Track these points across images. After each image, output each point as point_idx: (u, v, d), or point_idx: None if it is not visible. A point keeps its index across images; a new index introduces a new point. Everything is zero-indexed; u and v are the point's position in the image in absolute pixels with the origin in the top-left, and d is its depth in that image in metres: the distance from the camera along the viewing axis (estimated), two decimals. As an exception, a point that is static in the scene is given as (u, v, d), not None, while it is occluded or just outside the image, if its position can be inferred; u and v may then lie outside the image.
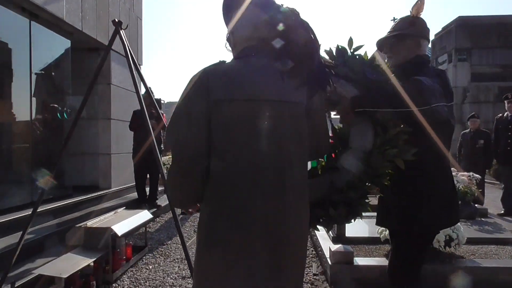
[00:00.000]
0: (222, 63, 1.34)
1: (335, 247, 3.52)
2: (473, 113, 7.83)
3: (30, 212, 4.57)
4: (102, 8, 6.48)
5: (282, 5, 1.40)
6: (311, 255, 4.30)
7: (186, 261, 3.99)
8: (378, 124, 1.71)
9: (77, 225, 3.93)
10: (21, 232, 4.08)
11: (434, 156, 1.84)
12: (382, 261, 3.42)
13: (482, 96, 14.04)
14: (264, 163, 1.26)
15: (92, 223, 3.98)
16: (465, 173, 5.41)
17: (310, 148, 1.40)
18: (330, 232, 4.23)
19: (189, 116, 1.25)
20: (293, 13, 1.36)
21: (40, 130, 5.63)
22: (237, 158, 1.24)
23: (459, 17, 14.93)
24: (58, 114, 5.98)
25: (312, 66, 1.32)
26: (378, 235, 3.86)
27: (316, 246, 4.40)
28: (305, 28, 1.35)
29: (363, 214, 1.73)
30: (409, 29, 1.97)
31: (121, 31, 2.67)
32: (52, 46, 5.93)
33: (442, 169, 1.94)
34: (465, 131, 7.64)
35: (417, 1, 1.97)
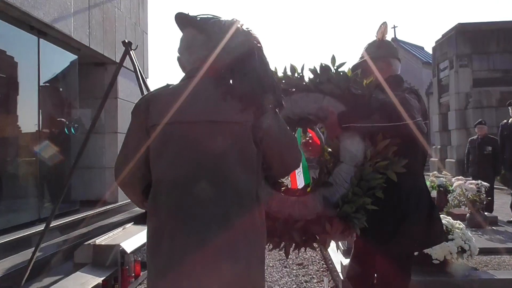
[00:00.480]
0: (166, 87, 1.38)
1: (346, 260, 3.50)
2: (480, 119, 7.78)
3: (37, 230, 4.61)
4: (108, 24, 6.54)
5: (224, 22, 1.38)
6: (321, 269, 4.27)
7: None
8: (366, 137, 1.74)
9: (86, 243, 3.93)
10: (32, 250, 4.10)
11: (410, 173, 1.82)
12: (395, 274, 3.39)
13: (484, 101, 14.04)
14: (188, 185, 1.27)
15: (100, 240, 3.97)
16: (473, 181, 5.39)
17: (269, 165, 1.42)
18: (341, 244, 4.21)
19: (127, 146, 1.38)
20: (238, 31, 1.36)
21: (47, 144, 5.66)
22: (163, 180, 1.31)
23: (459, 23, 14.98)
24: (66, 129, 6.01)
25: (254, 85, 1.31)
26: (389, 247, 3.84)
27: (327, 260, 4.38)
28: (249, 47, 1.35)
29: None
30: (378, 52, 2.05)
31: (131, 51, 2.70)
32: (60, 62, 5.99)
33: (416, 186, 1.93)
34: (472, 137, 7.60)
35: (381, 25, 2.07)
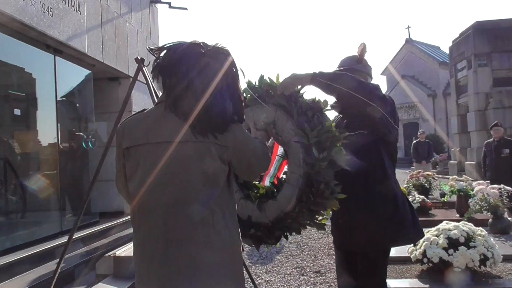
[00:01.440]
0: (141, 111, 1.52)
1: (365, 269, 3.45)
2: (496, 121, 7.60)
3: (60, 242, 4.71)
4: (121, 39, 6.68)
5: (188, 50, 1.42)
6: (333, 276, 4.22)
7: None
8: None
9: (106, 254, 3.99)
10: (55, 262, 4.17)
11: (383, 173, 1.94)
12: (415, 283, 3.33)
13: (506, 101, 13.68)
14: (157, 200, 1.38)
15: (120, 251, 4.03)
16: (495, 185, 5.25)
17: (240, 173, 1.54)
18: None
19: (116, 165, 1.55)
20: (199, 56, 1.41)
21: (67, 157, 5.79)
22: (136, 195, 1.42)
23: (477, 21, 14.68)
24: (84, 144, 6.14)
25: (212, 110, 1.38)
26: (408, 255, 3.77)
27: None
28: (208, 65, 1.41)
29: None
30: (357, 65, 2.17)
31: (143, 68, 2.76)
32: (75, 78, 6.14)
33: (388, 186, 1.97)
34: (488, 140, 7.43)
35: (362, 44, 2.18)
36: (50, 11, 4.72)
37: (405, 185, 8.39)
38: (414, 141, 11.30)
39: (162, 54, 1.46)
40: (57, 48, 5.21)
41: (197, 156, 1.37)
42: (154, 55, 1.52)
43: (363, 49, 2.18)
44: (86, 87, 6.33)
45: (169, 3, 8.17)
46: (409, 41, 29.12)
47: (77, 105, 6.43)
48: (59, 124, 5.51)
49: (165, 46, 1.48)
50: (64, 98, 5.88)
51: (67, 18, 5.08)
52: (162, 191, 1.37)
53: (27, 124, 5.57)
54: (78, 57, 5.71)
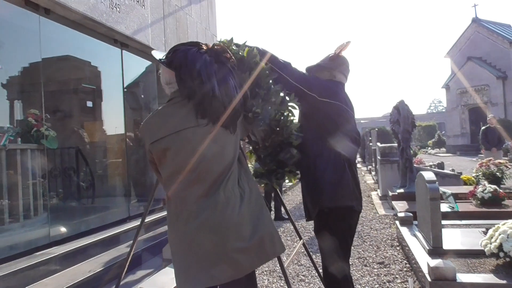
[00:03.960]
0: (157, 110, 1.75)
1: (433, 261, 3.31)
2: None
3: (127, 227, 5.00)
4: (181, 31, 6.87)
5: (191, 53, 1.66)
6: (404, 269, 4.09)
7: (274, 273, 4.04)
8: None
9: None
10: (124, 245, 4.45)
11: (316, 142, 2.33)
12: (489, 278, 3.14)
13: None
14: (189, 181, 1.63)
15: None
16: None
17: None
18: (425, 243, 4.00)
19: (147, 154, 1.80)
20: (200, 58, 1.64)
21: (132, 146, 6.10)
22: (170, 181, 1.67)
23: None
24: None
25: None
26: (482, 248, 3.55)
27: (410, 259, 4.18)
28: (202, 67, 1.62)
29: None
30: (328, 63, 2.54)
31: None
32: (139, 69, 6.44)
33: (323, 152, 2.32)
34: None
35: (344, 43, 2.51)
36: (118, 8, 4.96)
37: (473, 174, 7.89)
38: (482, 127, 10.58)
39: (170, 54, 1.69)
40: (124, 42, 5.48)
41: (217, 139, 1.65)
42: (159, 61, 1.72)
43: (342, 49, 2.52)
44: (149, 78, 6.61)
45: (226, -7, 8.24)
46: (475, 20, 27.07)
47: (142, 95, 6.74)
48: (125, 114, 5.82)
49: (172, 48, 1.72)
50: (130, 89, 6.20)
51: (132, 13, 5.31)
52: (188, 169, 1.64)
53: (97, 115, 5.96)
54: (142, 50, 5.97)
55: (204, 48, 1.70)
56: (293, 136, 2.22)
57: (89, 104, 6.07)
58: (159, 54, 1.77)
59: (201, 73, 1.60)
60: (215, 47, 1.73)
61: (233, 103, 1.64)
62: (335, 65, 2.52)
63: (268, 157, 2.29)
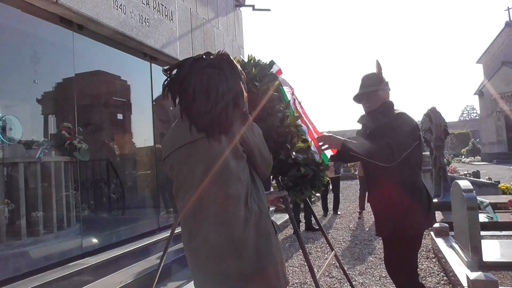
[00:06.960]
0: (172, 126, 1.74)
1: (473, 274, 3.14)
2: None
3: (157, 238, 5.02)
4: (209, 43, 6.96)
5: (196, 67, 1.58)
6: (442, 281, 3.91)
7: (305, 286, 3.95)
8: None
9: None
10: (154, 256, 4.46)
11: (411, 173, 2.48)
12: (537, 293, 2.94)
13: None
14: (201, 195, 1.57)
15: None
16: None
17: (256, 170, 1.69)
18: (463, 255, 3.81)
19: None
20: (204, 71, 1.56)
21: (161, 158, 6.17)
22: (182, 193, 1.63)
23: None
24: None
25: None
26: (527, 261, 3.35)
27: (447, 271, 3.99)
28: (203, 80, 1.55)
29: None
30: (379, 85, 2.61)
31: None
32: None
33: (417, 182, 2.53)
34: None
35: (376, 61, 2.61)
36: (147, 22, 5.08)
37: (511, 183, 7.53)
38: (520, 134, 10.11)
39: (174, 72, 1.62)
40: (153, 56, 5.60)
41: (213, 154, 1.59)
42: (166, 75, 1.64)
43: (378, 66, 2.58)
44: (177, 91, 6.71)
45: (253, 6, 8.33)
46: (509, 23, 26.17)
47: (171, 108, 6.84)
48: (154, 126, 5.91)
49: (176, 64, 1.62)
50: (158, 102, 6.30)
51: (161, 27, 5.43)
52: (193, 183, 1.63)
53: (127, 128, 6.07)
54: (171, 63, 6.05)
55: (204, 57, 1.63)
56: (300, 156, 2.38)
57: (120, 117, 6.20)
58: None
59: (189, 83, 1.57)
60: (219, 53, 1.66)
61: (219, 108, 1.55)
62: (386, 86, 2.64)
63: (278, 176, 2.45)
